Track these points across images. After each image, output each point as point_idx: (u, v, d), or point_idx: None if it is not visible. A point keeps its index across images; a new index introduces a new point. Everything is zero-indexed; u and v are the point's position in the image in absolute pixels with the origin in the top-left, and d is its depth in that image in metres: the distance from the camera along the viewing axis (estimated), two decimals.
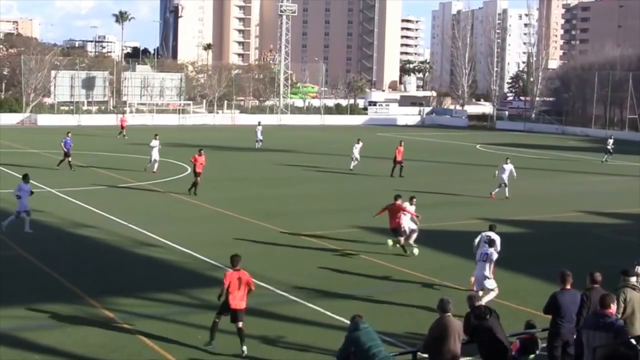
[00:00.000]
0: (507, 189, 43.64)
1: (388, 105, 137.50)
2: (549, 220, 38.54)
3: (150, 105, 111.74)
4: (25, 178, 32.30)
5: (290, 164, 58.28)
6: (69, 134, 53.76)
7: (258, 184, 47.92)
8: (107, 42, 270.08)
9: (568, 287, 15.47)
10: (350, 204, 40.87)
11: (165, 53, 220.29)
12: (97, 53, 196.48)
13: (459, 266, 28.23)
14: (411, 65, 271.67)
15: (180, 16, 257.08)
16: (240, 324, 18.40)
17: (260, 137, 71.78)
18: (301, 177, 51.04)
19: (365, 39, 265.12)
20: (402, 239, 28.64)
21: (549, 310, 15.53)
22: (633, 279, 15.93)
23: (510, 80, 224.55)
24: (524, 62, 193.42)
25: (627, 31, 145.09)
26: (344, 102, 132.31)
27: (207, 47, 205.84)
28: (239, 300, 18.38)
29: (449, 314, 14.36)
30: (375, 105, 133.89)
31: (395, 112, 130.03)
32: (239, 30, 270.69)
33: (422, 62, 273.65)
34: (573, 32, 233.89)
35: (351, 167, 54.10)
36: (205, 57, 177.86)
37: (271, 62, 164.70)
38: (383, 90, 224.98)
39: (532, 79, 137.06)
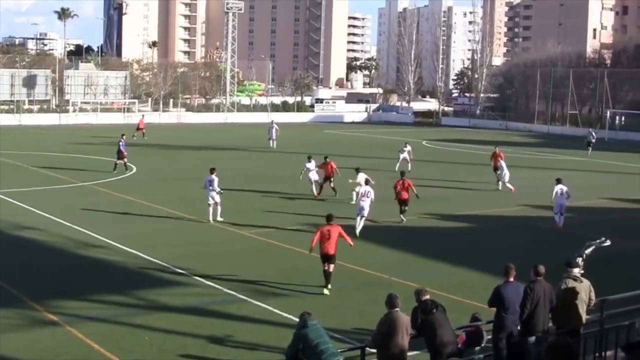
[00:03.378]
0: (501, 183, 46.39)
1: (335, 102, 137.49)
2: (495, 214, 38.93)
3: (94, 104, 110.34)
4: None
5: (242, 162, 58.16)
6: (124, 136, 52.93)
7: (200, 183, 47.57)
8: (49, 39, 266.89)
9: (511, 280, 15.63)
10: (300, 203, 40.85)
11: (109, 51, 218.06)
12: (38, 51, 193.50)
13: (407, 261, 28.43)
14: (358, 63, 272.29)
15: (125, 13, 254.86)
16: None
17: (274, 135, 70.81)
18: (251, 176, 50.86)
19: (312, 37, 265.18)
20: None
21: (493, 303, 15.68)
22: (576, 270, 16.21)
23: (455, 77, 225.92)
24: (468, 59, 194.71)
25: (568, 29, 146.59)
26: (291, 100, 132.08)
27: (153, 44, 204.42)
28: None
29: (397, 309, 14.44)
30: (322, 102, 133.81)
31: (342, 109, 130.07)
32: (185, 28, 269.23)
33: (368, 60, 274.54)
34: (516, 30, 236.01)
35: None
36: (150, 55, 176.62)
37: (217, 59, 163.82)
38: (330, 88, 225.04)
39: (476, 76, 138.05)
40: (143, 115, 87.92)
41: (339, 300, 22.96)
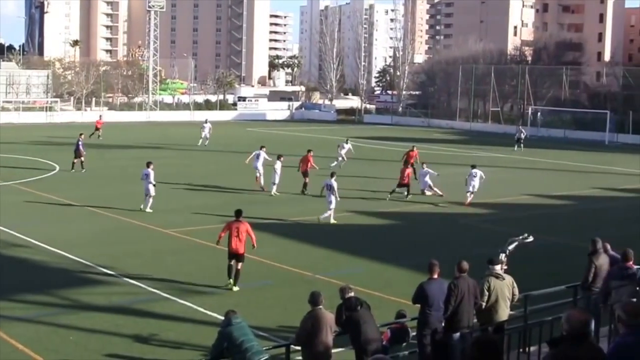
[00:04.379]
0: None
1: (257, 100, 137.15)
2: (419, 211, 39.18)
3: (16, 103, 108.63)
4: None
5: (168, 160, 57.68)
6: (82, 135, 53.57)
7: (128, 180, 47.08)
8: None
9: (435, 276, 15.72)
10: (222, 199, 40.63)
11: (31, 50, 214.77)
12: None
13: (332, 259, 28.46)
14: (280, 61, 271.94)
15: (46, 12, 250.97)
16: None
17: (207, 134, 71.21)
18: (174, 174, 50.40)
19: (234, 35, 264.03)
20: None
21: (417, 300, 15.76)
22: (497, 267, 16.38)
23: (377, 75, 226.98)
24: (390, 57, 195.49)
25: (489, 26, 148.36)
26: (213, 98, 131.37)
27: (75, 43, 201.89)
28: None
29: (321, 306, 14.45)
30: (244, 100, 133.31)
31: (264, 107, 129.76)
32: (107, 27, 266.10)
33: (290, 58, 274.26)
34: (438, 28, 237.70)
35: (338, 164, 53.30)
36: (72, 54, 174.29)
37: (140, 58, 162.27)
38: (252, 86, 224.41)
39: (398, 73, 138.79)
40: (100, 116, 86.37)
41: (263, 298, 22.92)
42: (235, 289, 23.57)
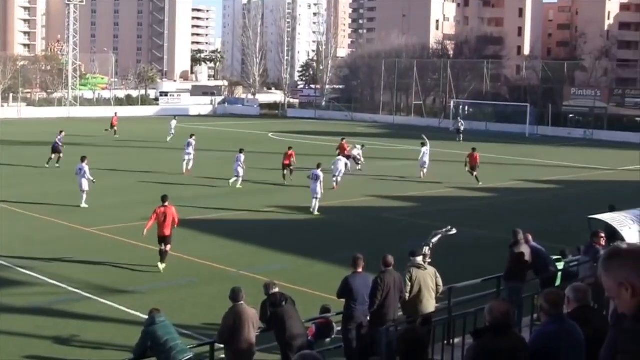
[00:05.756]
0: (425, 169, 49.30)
1: (180, 95, 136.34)
2: (342, 205, 39.25)
3: None
4: None
5: (90, 156, 56.88)
6: (62, 132, 54.82)
7: (49, 179, 46.42)
8: None
9: (360, 270, 15.77)
10: (145, 196, 40.17)
11: None
12: None
13: (256, 254, 28.40)
14: (202, 55, 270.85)
15: None
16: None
17: (172, 131, 70.45)
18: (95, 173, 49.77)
19: (155, 29, 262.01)
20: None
21: (342, 295, 15.79)
22: (419, 259, 16.56)
23: (300, 69, 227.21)
24: (314, 51, 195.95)
25: (412, 20, 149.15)
26: (135, 93, 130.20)
27: None
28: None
29: (242, 302, 14.40)
30: (166, 95, 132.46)
31: (187, 103, 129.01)
32: (25, 20, 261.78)
33: (213, 52, 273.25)
34: (361, 22, 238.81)
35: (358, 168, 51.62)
36: None
37: (59, 53, 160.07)
38: (175, 81, 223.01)
39: (322, 68, 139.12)
40: (116, 113, 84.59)
41: (187, 296, 22.78)
42: (161, 266, 24.87)
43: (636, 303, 4.77)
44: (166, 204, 25.87)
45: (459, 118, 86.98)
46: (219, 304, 20.40)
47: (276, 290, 15.06)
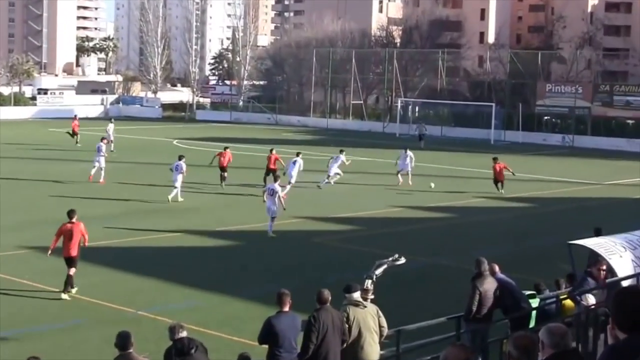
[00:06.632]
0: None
1: (63, 93, 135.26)
2: (258, 229, 38.75)
3: None
4: None
5: None
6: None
7: None
8: None
9: (286, 309, 15.74)
10: (32, 216, 39.72)
11: None
12: None
13: (160, 290, 28.20)
14: (91, 44, 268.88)
15: None
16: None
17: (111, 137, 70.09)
18: None
19: (32, 11, 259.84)
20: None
21: (264, 339, 15.75)
22: (356, 295, 16.28)
23: (212, 61, 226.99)
24: (228, 39, 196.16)
25: (349, 2, 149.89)
26: (6, 91, 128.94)
27: None
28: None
29: (130, 350, 14.38)
30: (46, 93, 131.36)
31: (72, 102, 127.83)
32: None
33: (104, 40, 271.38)
34: (286, 3, 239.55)
35: (329, 182, 52.61)
36: None
37: None
38: (56, 75, 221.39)
39: (238, 59, 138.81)
40: (75, 116, 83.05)
41: (73, 342, 22.61)
42: (64, 296, 25.38)
43: None
44: (73, 220, 26.43)
45: (421, 122, 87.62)
46: (111, 350, 20.26)
47: (184, 334, 15.01)
